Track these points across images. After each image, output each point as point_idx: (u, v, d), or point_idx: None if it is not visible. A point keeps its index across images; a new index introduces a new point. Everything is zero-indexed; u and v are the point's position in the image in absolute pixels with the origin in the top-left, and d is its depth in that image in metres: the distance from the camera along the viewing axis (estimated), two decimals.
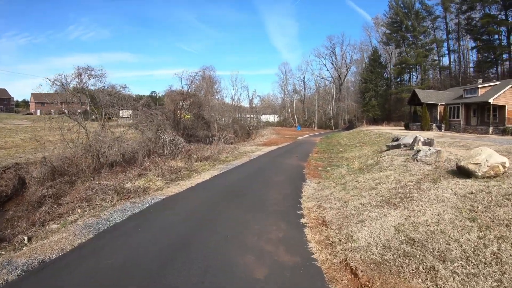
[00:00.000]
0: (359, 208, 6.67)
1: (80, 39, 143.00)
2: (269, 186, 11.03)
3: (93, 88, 21.11)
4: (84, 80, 20.06)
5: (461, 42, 60.31)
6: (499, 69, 53.19)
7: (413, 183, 7.62)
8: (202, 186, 11.47)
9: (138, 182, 12.84)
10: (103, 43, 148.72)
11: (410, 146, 14.63)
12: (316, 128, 78.51)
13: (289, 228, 6.60)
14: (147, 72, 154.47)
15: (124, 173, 15.22)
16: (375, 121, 63.15)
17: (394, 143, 16.81)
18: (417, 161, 10.07)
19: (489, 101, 32.09)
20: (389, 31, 65.37)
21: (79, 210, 9.46)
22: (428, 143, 13.68)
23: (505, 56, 52.10)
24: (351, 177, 10.76)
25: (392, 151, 15.11)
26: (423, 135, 24.36)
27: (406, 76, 67.76)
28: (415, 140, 13.93)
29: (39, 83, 22.31)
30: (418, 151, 10.87)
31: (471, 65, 60.76)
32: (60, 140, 17.31)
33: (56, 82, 18.47)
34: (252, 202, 8.90)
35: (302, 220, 7.02)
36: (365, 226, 5.63)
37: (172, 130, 28.97)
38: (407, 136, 17.15)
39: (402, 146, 15.97)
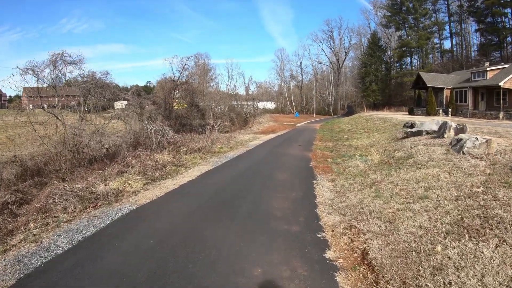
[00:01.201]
0: (421, 237, 4.18)
1: (73, 31, 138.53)
2: (271, 188, 8.71)
3: (69, 76, 18.72)
4: (60, 68, 17.60)
5: (463, 25, 57.91)
6: (503, 52, 50.83)
7: (481, 189, 5.33)
8: (187, 189, 9.13)
9: (112, 183, 10.50)
10: (97, 35, 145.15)
11: (436, 134, 12.38)
12: (314, 115, 76.17)
13: (310, 272, 4.18)
14: (142, 63, 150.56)
15: (101, 171, 12.94)
16: (375, 106, 61.03)
17: (414, 129, 14.53)
18: (463, 153, 7.79)
19: (499, 84, 30.32)
20: (389, 13, 62.53)
21: (32, 225, 7.20)
22: (460, 129, 11.40)
23: (509, 39, 49.87)
24: (378, 174, 8.42)
25: (412, 139, 12.85)
26: (424, 120, 22.17)
27: (407, 60, 65.19)
28: (444, 126, 11.63)
29: (10, 73, 19.47)
30: (459, 140, 8.58)
31: (473, 48, 58.58)
32: (35, 136, 15.45)
33: (29, 72, 15.94)
34: (250, 216, 6.53)
35: (329, 254, 4.56)
36: (452, 285, 3.19)
37: (164, 119, 27.20)
38: (426, 121, 14.85)
39: (424, 133, 13.72)
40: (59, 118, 15.84)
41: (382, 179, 7.51)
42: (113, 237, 5.56)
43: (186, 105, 36.00)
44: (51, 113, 15.93)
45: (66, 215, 7.45)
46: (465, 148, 7.86)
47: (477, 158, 7.35)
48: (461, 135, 9.10)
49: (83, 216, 7.04)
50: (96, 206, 8.09)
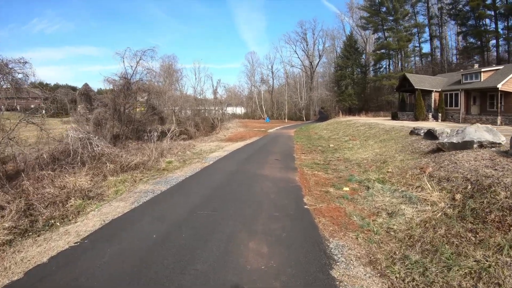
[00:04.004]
0: None
1: (44, 32, 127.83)
2: None
3: None
4: None
5: (443, 29, 55.30)
6: (486, 55, 48.20)
7: None
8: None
9: None
10: (68, 36, 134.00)
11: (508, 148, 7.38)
12: (286, 120, 71.53)
13: None
14: (112, 66, 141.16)
15: None
16: (350, 111, 57.18)
17: (454, 139, 9.42)
18: None
19: (497, 86, 26.73)
20: (367, 14, 58.78)
21: None
22: None
23: (493, 42, 47.57)
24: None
25: (467, 156, 7.80)
26: (420, 125, 17.97)
27: (384, 64, 61.86)
28: None
29: None
30: None
31: (453, 52, 56.27)
32: None
33: None
34: None
35: None
36: None
37: (116, 124, 21.97)
38: (468, 128, 9.83)
39: (475, 144, 8.74)
40: None
41: None
42: None
43: (143, 108, 30.49)
44: None
45: None
46: None
47: None
48: None
49: None
50: None
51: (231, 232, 5.24)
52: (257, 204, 6.87)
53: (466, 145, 8.98)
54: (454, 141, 9.32)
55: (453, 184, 6.04)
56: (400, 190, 7.04)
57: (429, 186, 6.15)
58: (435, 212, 5.23)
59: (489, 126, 9.95)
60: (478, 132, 9.32)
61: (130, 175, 11.50)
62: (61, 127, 14.94)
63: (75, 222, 6.43)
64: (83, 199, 8.32)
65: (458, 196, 5.38)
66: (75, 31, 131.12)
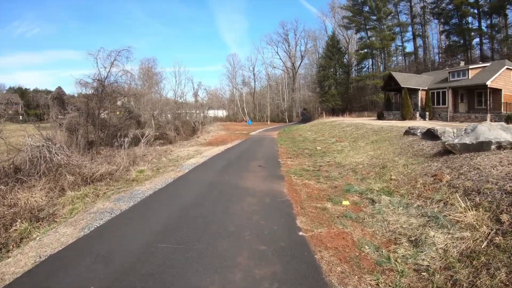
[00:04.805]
0: None
1: (25, 36, 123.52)
2: None
3: None
4: None
5: (425, 28, 55.15)
6: (469, 53, 48.03)
7: None
8: None
9: None
10: (49, 40, 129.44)
11: None
12: (269, 122, 70.24)
13: None
14: (93, 70, 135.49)
15: None
16: (334, 112, 56.17)
17: (467, 140, 8.07)
18: None
19: (486, 84, 26.37)
20: (350, 14, 58.10)
21: None
22: None
23: (477, 40, 47.54)
24: None
25: (488, 161, 6.47)
26: (411, 124, 17.54)
27: (367, 64, 61.35)
28: None
29: None
30: None
31: (435, 51, 56.15)
32: None
33: None
34: None
35: None
36: None
37: (92, 129, 20.43)
38: (479, 126, 8.56)
39: (493, 145, 7.49)
40: None
41: None
42: None
43: (119, 113, 28.77)
44: None
45: None
46: None
47: None
48: None
49: None
50: None
51: (197, 285, 3.63)
52: (237, 232, 5.24)
53: (481, 147, 7.68)
54: (467, 142, 8.01)
55: (490, 199, 4.63)
56: (415, 205, 5.61)
57: (461, 201, 4.72)
58: (478, 241, 3.81)
59: (503, 123, 8.76)
60: (493, 131, 8.06)
61: (93, 189, 9.88)
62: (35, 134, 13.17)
63: (7, 258, 4.84)
64: (30, 221, 6.72)
65: (504, 217, 3.97)
66: (56, 34, 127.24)
